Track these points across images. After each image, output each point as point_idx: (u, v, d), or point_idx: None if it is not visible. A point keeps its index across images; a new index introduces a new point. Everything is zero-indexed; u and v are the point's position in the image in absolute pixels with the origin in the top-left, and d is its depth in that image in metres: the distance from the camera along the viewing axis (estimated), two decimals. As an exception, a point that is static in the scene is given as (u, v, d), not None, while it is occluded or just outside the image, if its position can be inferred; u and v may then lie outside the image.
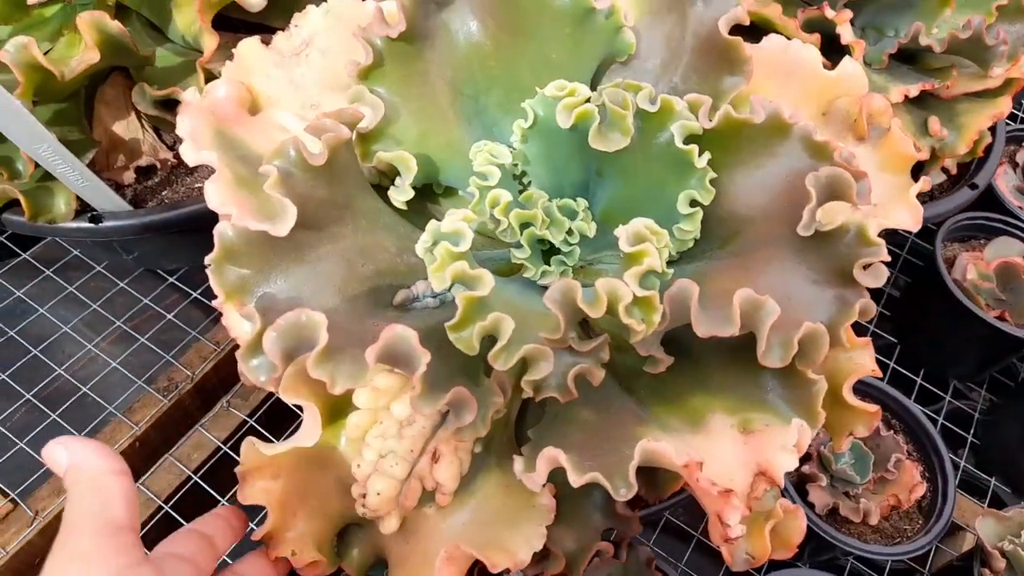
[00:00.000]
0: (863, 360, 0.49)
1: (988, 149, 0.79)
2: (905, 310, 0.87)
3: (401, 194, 0.44)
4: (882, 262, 0.41)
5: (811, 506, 0.63)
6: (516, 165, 0.46)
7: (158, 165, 0.65)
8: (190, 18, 0.57)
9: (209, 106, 0.45)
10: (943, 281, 0.77)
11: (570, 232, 0.44)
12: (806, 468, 0.64)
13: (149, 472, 0.68)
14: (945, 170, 0.78)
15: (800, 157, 0.42)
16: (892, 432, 0.68)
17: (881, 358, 0.85)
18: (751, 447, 0.40)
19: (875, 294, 0.91)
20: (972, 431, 0.81)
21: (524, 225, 0.42)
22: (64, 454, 0.36)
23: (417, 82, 0.44)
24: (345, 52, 0.46)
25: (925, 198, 0.79)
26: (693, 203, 0.43)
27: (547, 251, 0.46)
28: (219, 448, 0.70)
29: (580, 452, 0.38)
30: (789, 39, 0.69)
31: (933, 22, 0.69)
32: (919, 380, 0.83)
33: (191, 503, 0.68)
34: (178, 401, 0.70)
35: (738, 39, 0.46)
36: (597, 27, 0.45)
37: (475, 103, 0.47)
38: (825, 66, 0.52)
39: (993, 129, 0.80)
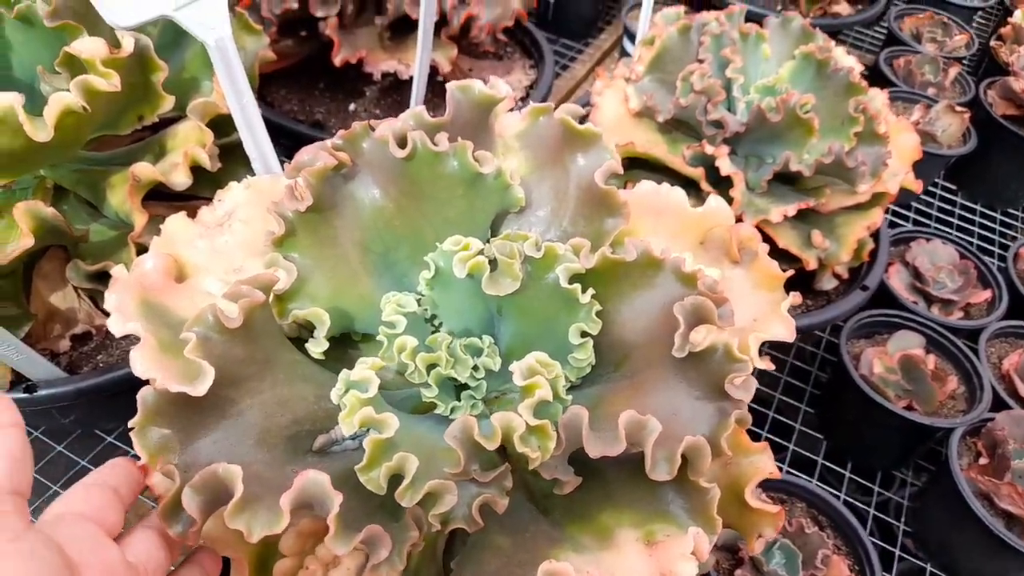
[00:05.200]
0: (762, 464, 0.53)
1: (874, 253, 0.86)
2: (826, 407, 0.92)
3: (317, 346, 0.48)
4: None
5: (748, 611, 0.65)
6: (426, 310, 0.50)
7: (93, 331, 0.68)
8: (122, 197, 0.62)
9: (137, 278, 0.49)
10: (852, 378, 0.83)
11: (476, 368, 0.48)
12: (739, 573, 0.66)
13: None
14: (837, 275, 0.85)
15: (673, 286, 0.47)
16: (818, 528, 0.71)
17: (809, 455, 0.89)
18: (655, 558, 0.42)
19: (798, 393, 0.96)
20: (903, 519, 0.84)
21: (430, 367, 0.45)
22: None
23: (328, 244, 0.49)
24: (265, 220, 0.51)
25: (824, 301, 0.86)
26: (583, 334, 0.47)
27: (460, 386, 0.50)
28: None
29: (494, 579, 0.40)
30: (677, 174, 0.78)
31: (802, 149, 0.78)
32: (847, 473, 0.87)
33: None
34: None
35: (612, 188, 0.52)
36: (487, 187, 0.51)
37: (384, 259, 0.52)
38: (706, 191, 0.59)
39: (876, 235, 0.88)
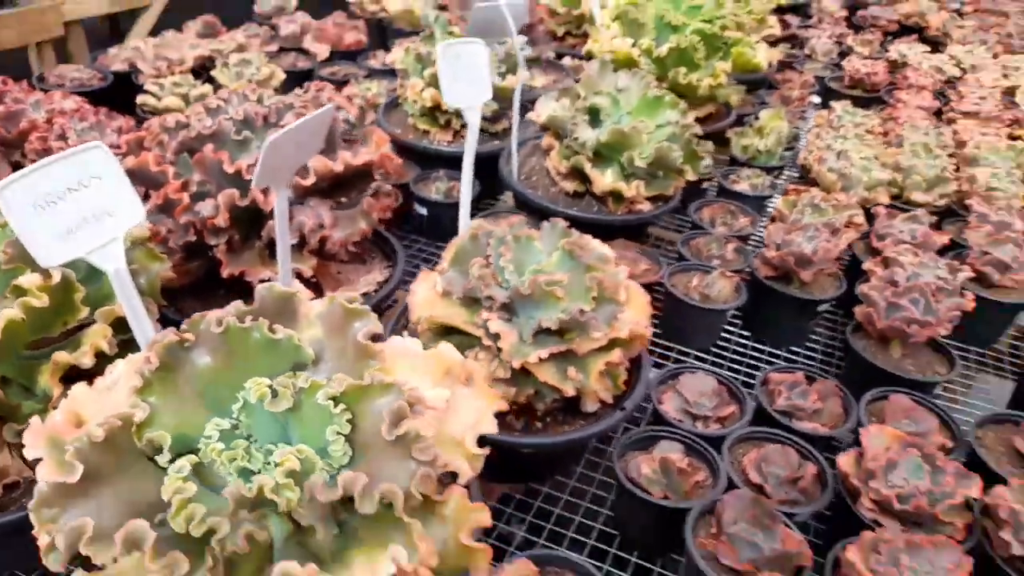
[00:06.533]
0: (478, 518, 0.77)
1: (630, 383, 1.15)
2: (615, 506, 1.16)
3: (162, 458, 0.73)
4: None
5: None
6: (243, 431, 0.76)
7: (21, 481, 0.91)
8: (47, 379, 0.89)
9: (48, 426, 0.74)
10: (621, 479, 1.08)
11: (268, 463, 0.73)
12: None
13: None
14: (603, 401, 1.12)
15: (398, 397, 0.74)
16: (576, 590, 0.92)
17: (604, 547, 1.11)
18: (371, 569, 0.66)
19: (601, 499, 1.19)
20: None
21: (231, 460, 0.71)
22: None
23: (173, 391, 0.76)
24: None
25: (593, 420, 1.12)
26: (337, 433, 0.73)
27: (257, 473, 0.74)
28: None
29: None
30: (471, 334, 1.06)
31: (555, 311, 1.08)
32: (632, 559, 1.09)
33: None
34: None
35: (369, 343, 0.80)
36: (282, 348, 0.79)
37: (214, 398, 0.78)
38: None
39: (638, 370, 1.17)
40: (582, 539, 1.12)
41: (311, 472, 0.70)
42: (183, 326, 0.79)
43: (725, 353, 1.54)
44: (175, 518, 0.64)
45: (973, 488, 1.03)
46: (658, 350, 1.54)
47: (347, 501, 0.72)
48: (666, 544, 1.10)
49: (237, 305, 0.81)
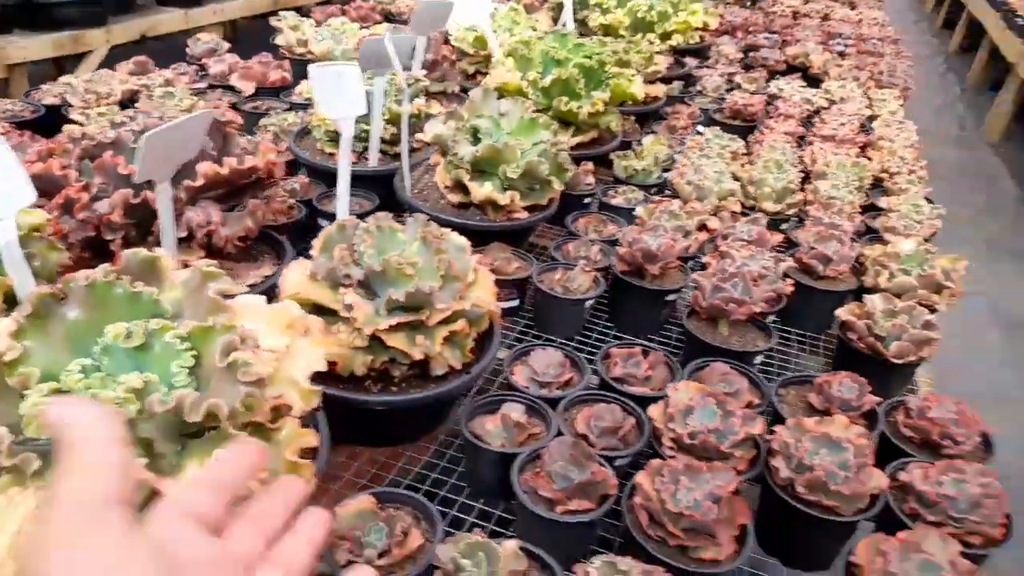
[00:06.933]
0: (305, 440, 0.93)
1: (477, 349, 1.32)
2: (465, 466, 1.32)
3: (32, 395, 0.87)
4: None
5: None
6: (103, 368, 0.91)
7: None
8: None
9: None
10: (466, 435, 1.24)
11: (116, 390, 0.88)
12: (345, 548, 1.02)
13: None
14: (452, 367, 1.29)
15: (234, 335, 0.90)
16: (413, 520, 1.07)
17: (454, 496, 1.27)
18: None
19: (456, 460, 1.35)
20: (511, 528, 1.21)
21: (87, 388, 0.85)
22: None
23: (44, 336, 0.90)
24: (17, 333, 0.93)
25: (442, 382, 1.28)
26: (181, 367, 0.88)
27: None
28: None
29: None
30: (334, 310, 1.23)
31: (404, 287, 1.25)
32: (478, 505, 1.25)
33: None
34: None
35: (218, 299, 0.96)
36: (143, 302, 0.94)
37: (81, 343, 0.93)
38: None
39: (489, 341, 1.34)
40: (435, 491, 1.28)
41: (152, 392, 0.85)
42: (58, 283, 0.94)
43: (588, 341, 1.72)
44: (28, 426, 0.78)
45: (756, 427, 1.22)
46: (528, 339, 1.71)
47: (190, 433, 0.88)
48: (503, 489, 1.26)
49: (104, 266, 0.96)
